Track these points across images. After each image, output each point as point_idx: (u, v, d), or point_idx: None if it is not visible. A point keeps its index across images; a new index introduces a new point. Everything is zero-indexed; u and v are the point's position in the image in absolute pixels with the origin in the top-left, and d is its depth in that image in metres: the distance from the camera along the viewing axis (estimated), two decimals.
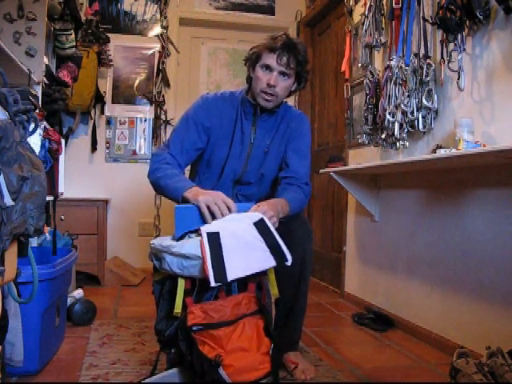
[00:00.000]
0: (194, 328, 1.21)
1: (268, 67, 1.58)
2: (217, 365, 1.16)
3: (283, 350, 1.66)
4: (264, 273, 1.33)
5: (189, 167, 1.85)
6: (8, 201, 0.90)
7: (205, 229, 1.25)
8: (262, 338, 1.26)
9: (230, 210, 1.36)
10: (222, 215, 1.35)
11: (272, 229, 1.30)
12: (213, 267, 1.17)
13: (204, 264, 1.18)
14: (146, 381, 1.34)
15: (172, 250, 1.24)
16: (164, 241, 1.32)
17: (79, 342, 1.95)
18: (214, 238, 1.22)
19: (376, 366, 1.80)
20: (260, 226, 1.29)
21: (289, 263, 1.27)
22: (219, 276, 1.17)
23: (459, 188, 1.95)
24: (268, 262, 1.25)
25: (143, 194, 3.50)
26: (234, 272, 1.19)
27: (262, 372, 1.21)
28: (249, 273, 1.23)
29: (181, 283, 1.26)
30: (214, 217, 1.36)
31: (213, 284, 1.16)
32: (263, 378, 1.21)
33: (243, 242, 1.24)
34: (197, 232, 1.29)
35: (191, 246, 1.23)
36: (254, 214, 1.32)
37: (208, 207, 1.36)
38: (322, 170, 2.68)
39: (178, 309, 1.24)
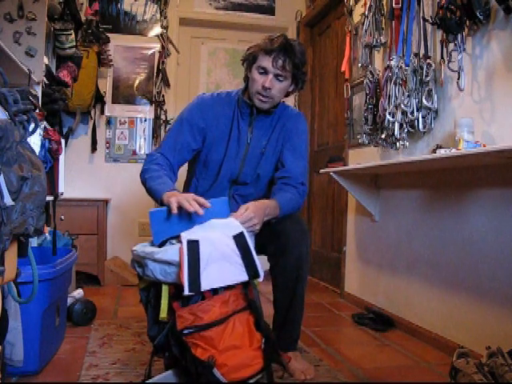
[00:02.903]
0: (185, 331, 1.21)
1: (264, 69, 1.58)
2: (210, 366, 1.17)
3: (282, 349, 1.66)
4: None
5: (186, 167, 1.85)
6: (8, 201, 0.90)
7: (185, 235, 1.26)
8: (254, 333, 1.26)
9: (201, 206, 1.36)
10: (195, 210, 1.35)
11: (250, 244, 1.31)
12: (189, 276, 1.20)
13: (181, 272, 1.20)
14: (150, 380, 1.34)
15: (155, 256, 1.25)
16: (145, 247, 1.33)
17: (79, 342, 1.95)
18: (194, 246, 1.24)
19: (376, 366, 1.80)
20: (239, 239, 1.30)
21: (260, 279, 1.29)
22: (194, 285, 1.20)
23: (459, 188, 1.95)
24: (241, 275, 1.27)
25: (143, 194, 3.46)
26: (208, 282, 1.22)
27: (256, 368, 1.21)
28: (222, 284, 1.24)
29: (165, 288, 1.27)
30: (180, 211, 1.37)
31: (187, 293, 1.19)
32: (258, 373, 1.21)
33: (220, 253, 1.26)
34: (177, 238, 1.30)
35: (174, 252, 1.24)
36: (236, 226, 1.33)
37: (179, 205, 1.36)
38: (322, 170, 2.68)
39: (163, 313, 1.25)
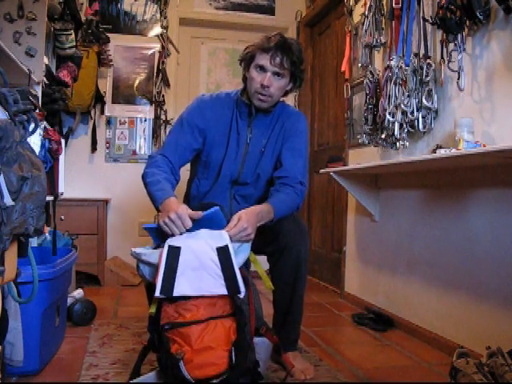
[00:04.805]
0: (166, 327, 1.23)
1: (262, 68, 1.58)
2: (177, 360, 1.17)
3: (282, 349, 1.67)
4: (247, 267, 1.34)
5: (188, 167, 1.85)
6: (8, 201, 0.90)
7: (169, 241, 1.28)
8: (231, 337, 1.25)
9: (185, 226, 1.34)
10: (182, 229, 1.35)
11: (233, 258, 1.28)
12: (163, 279, 1.21)
13: (156, 273, 1.22)
14: (134, 381, 1.34)
15: (142, 257, 1.30)
16: (140, 249, 1.35)
17: (79, 342, 1.95)
18: (174, 252, 1.25)
19: (376, 366, 1.80)
20: (222, 252, 1.27)
21: (241, 296, 1.25)
22: (166, 289, 1.20)
23: (459, 188, 1.95)
24: (219, 288, 1.25)
25: (143, 194, 3.46)
26: (181, 288, 1.22)
27: (222, 367, 1.19)
28: (197, 294, 1.23)
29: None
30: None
31: (157, 295, 1.20)
32: (223, 373, 1.19)
33: (200, 262, 1.25)
34: None
35: (157, 255, 1.27)
36: (222, 238, 1.30)
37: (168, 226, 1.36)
38: (322, 170, 2.68)
39: (152, 309, 1.27)
